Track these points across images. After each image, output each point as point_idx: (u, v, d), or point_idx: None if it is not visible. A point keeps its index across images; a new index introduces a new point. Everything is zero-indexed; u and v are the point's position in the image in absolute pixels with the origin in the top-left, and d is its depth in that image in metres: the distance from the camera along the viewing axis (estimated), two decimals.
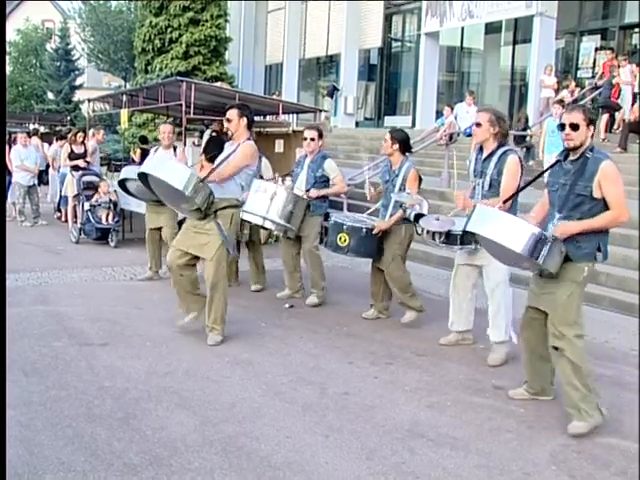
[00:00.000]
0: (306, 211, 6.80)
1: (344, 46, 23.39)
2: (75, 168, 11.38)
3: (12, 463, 3.50)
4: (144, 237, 8.25)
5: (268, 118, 13.03)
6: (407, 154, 6.27)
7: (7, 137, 14.31)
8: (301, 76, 26.74)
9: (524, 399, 4.61)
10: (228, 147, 5.69)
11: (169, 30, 16.55)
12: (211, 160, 5.59)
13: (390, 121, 22.66)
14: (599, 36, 17.24)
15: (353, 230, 6.22)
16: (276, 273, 7.74)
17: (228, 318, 5.74)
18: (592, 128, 4.17)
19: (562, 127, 4.14)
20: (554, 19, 16.64)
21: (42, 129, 23.33)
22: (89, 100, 14.41)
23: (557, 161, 4.29)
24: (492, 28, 19.69)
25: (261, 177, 7.56)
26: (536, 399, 4.60)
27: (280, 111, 11.57)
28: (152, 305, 6.79)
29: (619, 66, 13.59)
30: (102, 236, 10.30)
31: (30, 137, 14.00)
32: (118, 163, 17.36)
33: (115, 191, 10.62)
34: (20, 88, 33.81)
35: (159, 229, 7.97)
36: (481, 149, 5.29)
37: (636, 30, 16.36)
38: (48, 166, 14.40)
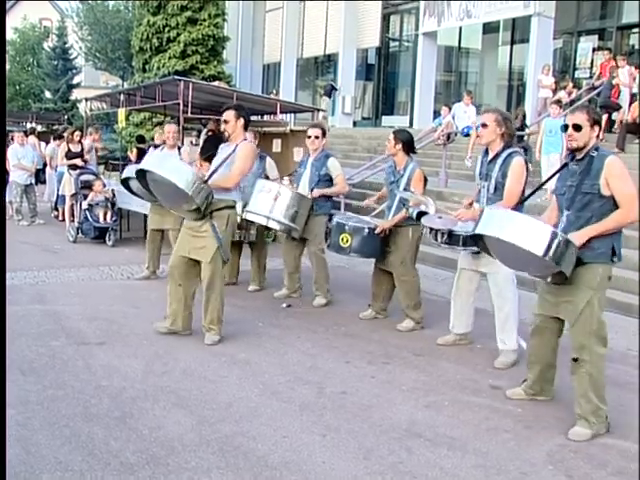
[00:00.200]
0: (310, 211, 6.78)
1: (342, 46, 23.41)
2: (72, 167, 11.36)
3: (10, 462, 3.49)
4: (142, 236, 8.24)
5: (266, 118, 13.01)
6: (411, 154, 6.24)
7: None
8: (299, 75, 26.77)
9: (522, 399, 4.60)
10: (225, 148, 5.68)
11: (167, 29, 16.51)
12: (208, 160, 5.59)
13: (388, 121, 22.69)
14: (597, 36, 17.27)
15: (355, 230, 6.18)
16: (274, 273, 7.73)
17: (225, 318, 5.74)
18: (597, 128, 4.10)
19: (565, 128, 4.11)
20: (552, 19, 16.67)
21: (39, 128, 23.32)
22: (86, 99, 14.40)
23: (564, 164, 4.25)
24: (490, 28, 19.72)
25: (266, 177, 7.54)
26: (534, 399, 4.59)
27: (278, 110, 11.56)
28: (149, 304, 6.78)
29: (618, 66, 13.61)
30: (99, 235, 10.27)
31: (27, 136, 13.99)
32: (115, 162, 17.35)
33: (112, 190, 10.62)
34: (17, 87, 33.77)
35: (161, 231, 7.97)
36: (487, 151, 5.22)
37: (634, 30, 16.40)
38: (45, 165, 14.38)
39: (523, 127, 12.89)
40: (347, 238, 6.20)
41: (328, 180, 6.91)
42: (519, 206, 4.83)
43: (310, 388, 4.76)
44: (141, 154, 11.03)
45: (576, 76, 17.12)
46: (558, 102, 11.87)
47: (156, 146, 9.88)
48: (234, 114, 5.66)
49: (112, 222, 10.29)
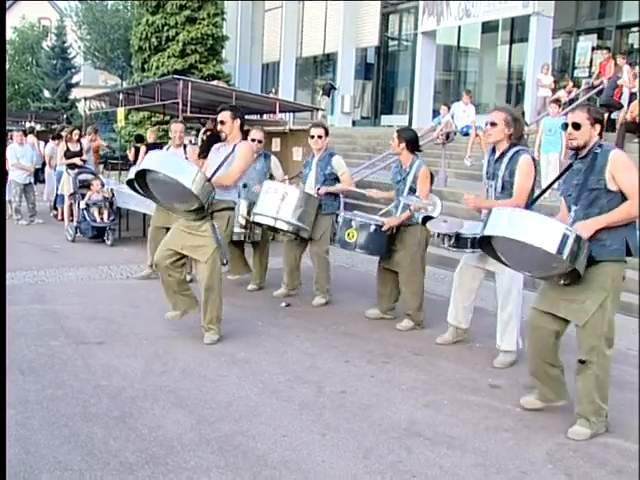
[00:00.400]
0: (318, 210, 6.76)
1: (341, 45, 23.40)
2: (71, 166, 11.35)
3: (9, 462, 3.48)
4: (141, 236, 8.23)
5: (265, 117, 13.03)
6: (417, 153, 6.23)
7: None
8: (298, 75, 26.75)
9: (537, 409, 4.40)
10: (223, 149, 5.67)
11: (166, 28, 16.55)
12: (205, 159, 5.61)
13: (387, 120, 22.70)
14: (596, 35, 17.28)
15: (362, 226, 6.17)
16: (274, 272, 7.73)
17: (224, 317, 5.73)
18: (598, 127, 4.05)
19: (565, 126, 4.09)
20: (551, 18, 16.67)
21: (38, 127, 23.33)
22: (85, 98, 14.41)
23: (569, 165, 4.20)
24: (489, 27, 19.72)
25: (271, 176, 7.53)
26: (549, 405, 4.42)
27: (277, 110, 11.58)
28: (148, 304, 6.77)
29: (616, 64, 13.62)
30: (98, 234, 10.27)
31: (26, 135, 13.97)
32: (114, 162, 17.37)
33: (111, 189, 10.62)
34: (16, 86, 33.77)
35: (165, 228, 7.95)
36: (494, 150, 5.13)
37: (633, 29, 16.40)
38: (44, 164, 14.37)
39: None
40: (353, 233, 6.18)
41: (334, 179, 6.89)
42: (529, 207, 4.67)
43: (309, 387, 4.76)
44: (138, 154, 11.02)
45: (575, 75, 17.12)
46: (557, 101, 11.85)
47: (154, 145, 9.87)
48: (230, 115, 5.66)
49: (110, 222, 10.27)
